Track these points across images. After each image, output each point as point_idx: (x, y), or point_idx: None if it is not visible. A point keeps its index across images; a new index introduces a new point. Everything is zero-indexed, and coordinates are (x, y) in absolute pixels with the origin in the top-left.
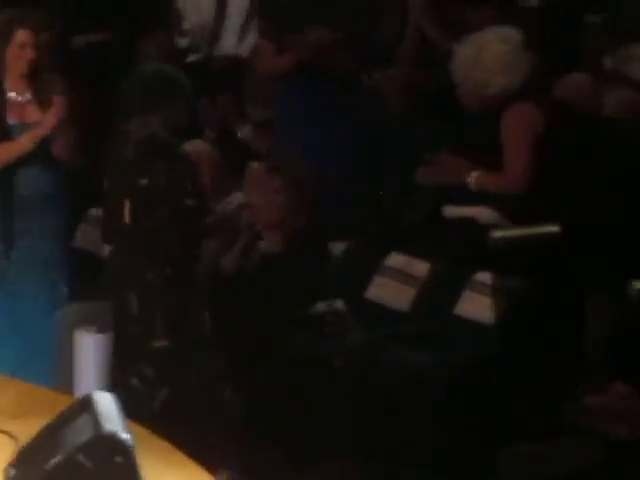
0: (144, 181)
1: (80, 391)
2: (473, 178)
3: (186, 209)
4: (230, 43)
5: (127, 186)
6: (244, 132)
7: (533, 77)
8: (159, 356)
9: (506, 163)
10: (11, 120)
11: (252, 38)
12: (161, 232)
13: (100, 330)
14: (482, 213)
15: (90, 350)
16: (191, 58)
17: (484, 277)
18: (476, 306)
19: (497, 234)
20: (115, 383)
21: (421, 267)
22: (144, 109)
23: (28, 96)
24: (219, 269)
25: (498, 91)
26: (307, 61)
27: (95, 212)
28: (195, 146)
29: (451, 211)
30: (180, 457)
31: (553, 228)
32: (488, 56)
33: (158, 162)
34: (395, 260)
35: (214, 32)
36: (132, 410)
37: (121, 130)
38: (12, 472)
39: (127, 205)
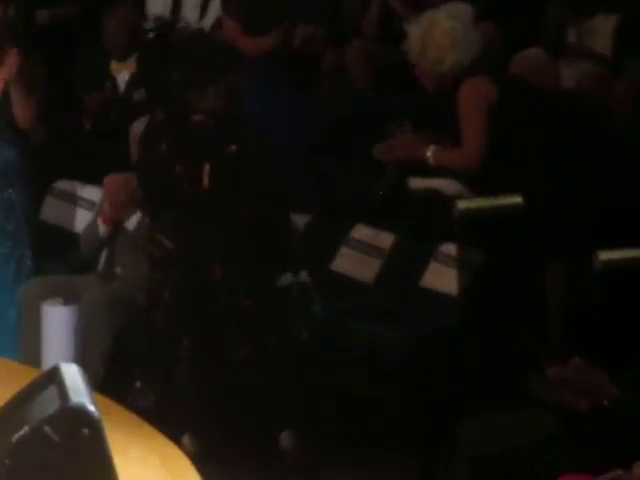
0: (232, 147)
1: (47, 364)
2: (431, 153)
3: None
4: (192, 17)
5: (205, 153)
6: None
7: (488, 51)
8: (245, 317)
9: (463, 139)
10: None
11: (214, 12)
12: (243, 198)
13: (66, 302)
14: (446, 185)
15: (57, 322)
16: (155, 31)
17: (449, 249)
18: (441, 278)
19: (461, 205)
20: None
21: (386, 239)
22: (202, 80)
23: None
24: None
25: (452, 67)
26: (285, 50)
27: (61, 185)
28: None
29: (416, 183)
30: (147, 429)
31: (516, 199)
32: (439, 33)
33: (243, 130)
34: (360, 232)
35: (176, 5)
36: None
37: (178, 101)
38: None
39: (207, 171)
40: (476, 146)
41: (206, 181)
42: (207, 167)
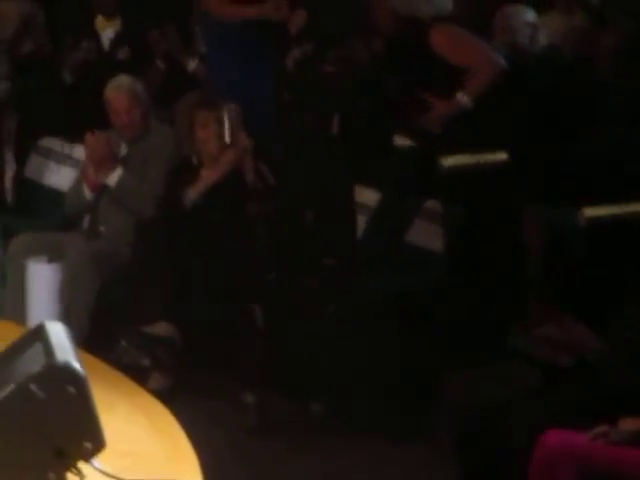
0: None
1: (32, 321)
2: (465, 97)
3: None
4: None
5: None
6: (192, 65)
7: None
8: (327, 273)
9: (469, 62)
10: None
11: None
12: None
13: (51, 260)
14: None
15: (42, 280)
16: None
17: (434, 205)
18: (425, 234)
19: (447, 162)
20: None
21: (372, 196)
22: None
23: None
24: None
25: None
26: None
27: (46, 143)
28: (119, 82)
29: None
30: (131, 386)
31: (501, 155)
32: None
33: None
34: None
35: None
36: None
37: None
38: None
39: (336, 120)
40: (486, 53)
41: (335, 128)
42: (337, 117)
